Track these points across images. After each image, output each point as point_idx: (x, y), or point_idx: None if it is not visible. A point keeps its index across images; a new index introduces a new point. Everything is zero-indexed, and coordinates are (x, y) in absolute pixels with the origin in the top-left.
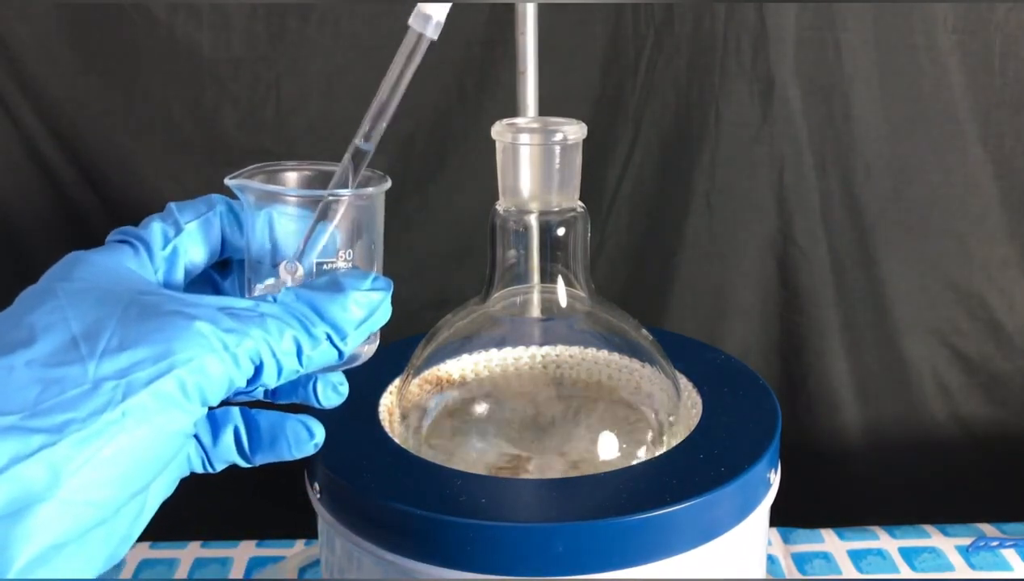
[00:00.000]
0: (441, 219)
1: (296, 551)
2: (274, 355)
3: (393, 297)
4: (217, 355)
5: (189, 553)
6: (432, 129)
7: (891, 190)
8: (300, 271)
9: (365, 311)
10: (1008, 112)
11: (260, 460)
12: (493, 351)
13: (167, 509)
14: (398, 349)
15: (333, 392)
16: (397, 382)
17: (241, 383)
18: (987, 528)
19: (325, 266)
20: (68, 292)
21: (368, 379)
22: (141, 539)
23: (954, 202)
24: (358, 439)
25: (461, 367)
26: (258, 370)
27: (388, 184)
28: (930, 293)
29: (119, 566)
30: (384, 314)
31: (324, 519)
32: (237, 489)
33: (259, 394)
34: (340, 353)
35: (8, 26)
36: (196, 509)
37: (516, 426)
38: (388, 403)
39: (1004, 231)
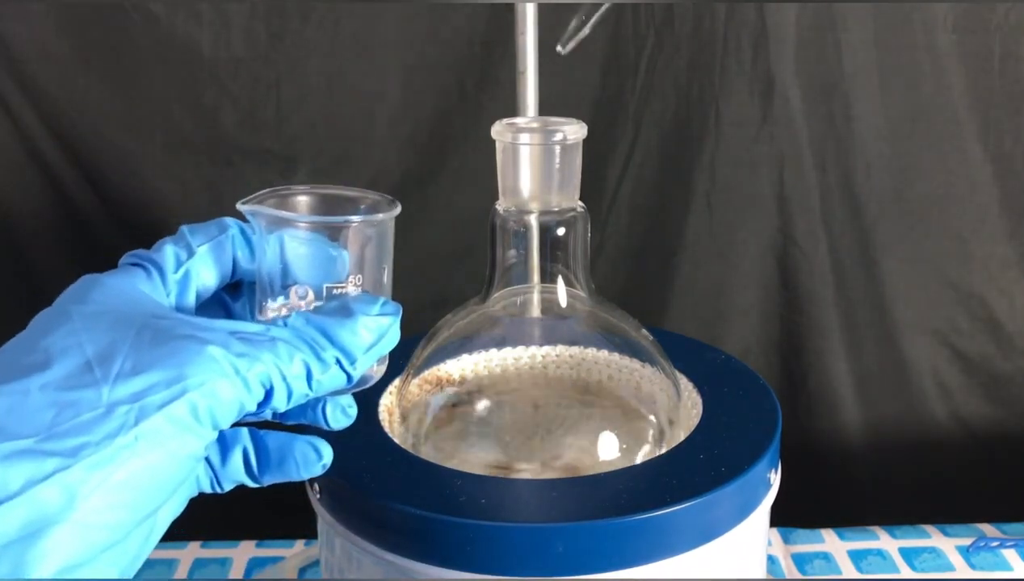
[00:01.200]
0: (441, 219)
1: (296, 551)
2: (284, 379)
3: (393, 298)
4: (228, 379)
5: (189, 553)
6: (432, 129)
7: (891, 190)
8: (311, 295)
9: (374, 336)
10: (1008, 112)
11: (268, 480)
12: (493, 351)
13: None
14: (398, 349)
15: (342, 414)
16: (397, 382)
17: (251, 407)
18: (987, 528)
19: (335, 291)
20: (83, 315)
21: None
22: None
23: (954, 202)
24: (358, 439)
25: (461, 367)
26: (268, 394)
27: (398, 209)
28: (930, 293)
29: None
30: (393, 338)
31: (324, 519)
32: (237, 489)
33: (267, 415)
34: (349, 377)
35: (8, 26)
36: (196, 509)
37: (516, 426)
38: (388, 403)
39: (1004, 231)
